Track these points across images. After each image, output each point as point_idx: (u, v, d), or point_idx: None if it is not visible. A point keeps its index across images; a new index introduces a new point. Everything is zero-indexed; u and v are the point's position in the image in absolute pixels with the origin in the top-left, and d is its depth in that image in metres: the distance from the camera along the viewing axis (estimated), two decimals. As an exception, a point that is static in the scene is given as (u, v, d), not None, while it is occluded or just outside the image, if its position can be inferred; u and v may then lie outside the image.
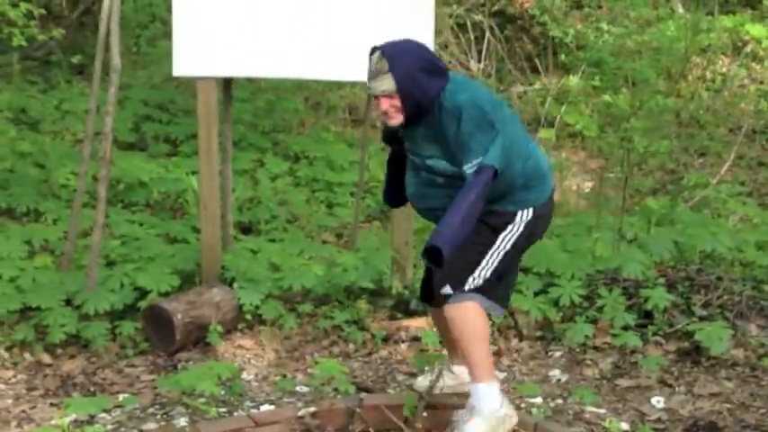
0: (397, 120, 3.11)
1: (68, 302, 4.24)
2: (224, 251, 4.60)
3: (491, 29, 8.82)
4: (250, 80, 7.36)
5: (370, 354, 4.17)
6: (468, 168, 3.01)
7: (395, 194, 3.47)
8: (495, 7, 9.11)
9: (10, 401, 3.69)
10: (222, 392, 3.63)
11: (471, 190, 2.97)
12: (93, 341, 4.11)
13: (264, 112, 7.25)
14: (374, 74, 3.08)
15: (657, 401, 3.57)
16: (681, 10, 8.90)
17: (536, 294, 4.30)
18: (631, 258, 4.43)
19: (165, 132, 6.93)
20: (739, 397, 3.60)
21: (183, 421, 3.45)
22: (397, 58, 3.06)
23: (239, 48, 4.34)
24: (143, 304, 4.25)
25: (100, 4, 8.42)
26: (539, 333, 4.24)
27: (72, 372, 3.97)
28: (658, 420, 3.43)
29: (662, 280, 4.35)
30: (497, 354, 4.10)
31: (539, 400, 3.62)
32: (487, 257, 3.17)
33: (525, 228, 3.19)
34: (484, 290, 3.16)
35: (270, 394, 3.75)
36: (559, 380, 3.80)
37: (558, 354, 4.05)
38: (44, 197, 5.60)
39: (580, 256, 4.59)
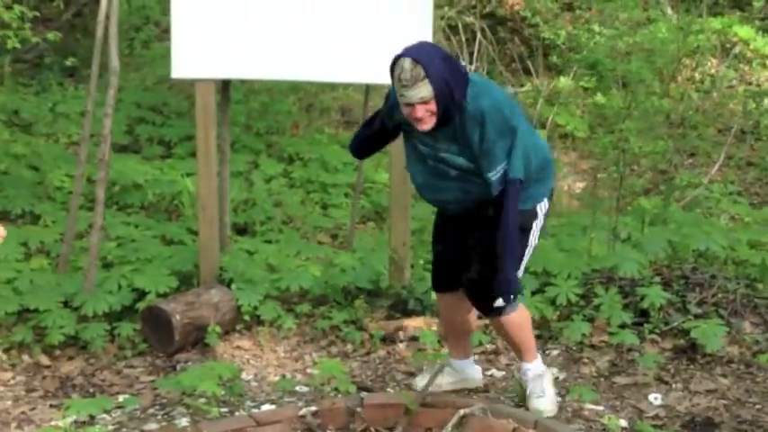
0: (430, 125, 3.11)
1: (66, 304, 4.25)
2: (221, 252, 4.61)
3: (482, 30, 8.86)
4: (243, 82, 7.37)
5: (368, 354, 4.19)
6: (493, 175, 3.11)
7: (363, 151, 3.60)
8: (487, 9, 9.15)
9: (9, 403, 3.69)
10: (222, 393, 3.64)
11: (509, 214, 3.11)
12: (92, 342, 4.12)
13: (258, 114, 7.26)
14: (411, 81, 3.03)
15: (655, 398, 3.61)
16: (670, 12, 8.97)
17: (533, 294, 4.33)
18: (627, 257, 4.47)
19: (159, 134, 6.94)
20: (735, 393, 3.64)
21: (184, 421, 3.47)
22: (430, 63, 3.04)
23: (237, 50, 4.35)
24: (141, 305, 4.26)
25: (91, 6, 8.46)
26: (536, 332, 4.24)
27: (71, 373, 3.98)
28: (656, 417, 3.47)
29: (657, 278, 4.39)
30: (495, 353, 4.13)
31: (537, 397, 3.64)
32: (524, 260, 3.34)
33: (544, 217, 3.36)
34: (521, 289, 3.39)
35: (270, 394, 3.77)
36: (557, 378, 3.82)
37: (555, 352, 4.09)
38: (39, 199, 5.60)
39: (576, 256, 4.63)
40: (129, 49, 7.96)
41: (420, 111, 3.08)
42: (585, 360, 4.02)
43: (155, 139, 6.90)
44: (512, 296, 3.29)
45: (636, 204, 5.69)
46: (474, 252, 3.33)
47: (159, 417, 3.54)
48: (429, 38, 4.44)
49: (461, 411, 3.37)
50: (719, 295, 4.28)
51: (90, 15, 8.56)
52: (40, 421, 3.52)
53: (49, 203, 5.57)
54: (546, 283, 4.37)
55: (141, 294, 4.35)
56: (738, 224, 5.60)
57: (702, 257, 4.85)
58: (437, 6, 8.65)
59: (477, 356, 4.10)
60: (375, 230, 5.91)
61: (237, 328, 4.34)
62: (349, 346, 4.25)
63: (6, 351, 4.06)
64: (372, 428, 3.41)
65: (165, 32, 8.10)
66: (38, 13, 6.16)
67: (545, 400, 3.46)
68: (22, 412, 3.61)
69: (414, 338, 4.22)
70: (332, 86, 7.66)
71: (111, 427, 3.43)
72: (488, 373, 3.95)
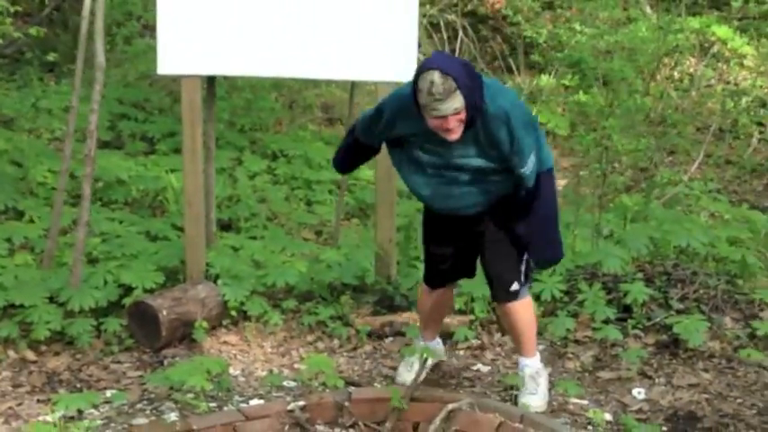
0: (459, 133, 3.16)
1: (52, 300, 4.24)
2: (207, 248, 4.62)
3: (464, 28, 8.91)
4: (226, 78, 7.37)
5: (354, 349, 4.22)
6: (526, 169, 3.24)
7: (348, 164, 3.68)
8: (468, 7, 9.20)
9: (-4, 398, 3.69)
10: (211, 388, 3.65)
11: (549, 201, 3.33)
12: (78, 338, 4.11)
13: (242, 111, 7.26)
14: (444, 95, 3.05)
15: (638, 393, 3.66)
16: (649, 11, 9.05)
17: (517, 289, 4.37)
18: (610, 254, 4.53)
19: (142, 131, 6.91)
20: (717, 387, 3.70)
21: (173, 416, 3.48)
22: (459, 73, 3.08)
23: (223, 46, 4.36)
24: (127, 301, 4.26)
25: (71, 2, 8.41)
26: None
27: (57, 368, 3.97)
28: (639, 411, 3.52)
29: (640, 275, 4.45)
30: (481, 348, 4.17)
31: (523, 392, 3.68)
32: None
33: None
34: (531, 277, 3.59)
35: (258, 389, 3.79)
36: (542, 373, 3.86)
37: (540, 347, 4.10)
38: (22, 195, 5.57)
39: (560, 252, 4.67)
40: (110, 44, 7.91)
41: (452, 121, 3.12)
42: (570, 355, 4.07)
43: (137, 136, 6.87)
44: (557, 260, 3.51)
45: (618, 201, 5.75)
46: (489, 241, 3.44)
47: (148, 411, 3.55)
48: (415, 35, 4.48)
49: (450, 406, 3.41)
50: (701, 291, 4.35)
51: (70, 11, 8.52)
52: (27, 416, 3.52)
53: (33, 199, 5.54)
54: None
55: (127, 290, 4.35)
56: (718, 221, 5.68)
57: (683, 254, 4.92)
58: (419, 4, 8.70)
59: (462, 352, 4.15)
60: (359, 227, 5.93)
61: (224, 323, 4.35)
62: (335, 342, 4.27)
63: (-8, 346, 4.05)
64: (361, 423, 3.44)
65: (147, 28, 8.08)
66: (19, 8, 6.14)
67: (536, 397, 3.52)
68: (9, 407, 3.60)
69: (400, 333, 4.26)
70: (314, 83, 7.68)
71: (99, 422, 3.43)
72: (474, 368, 3.99)
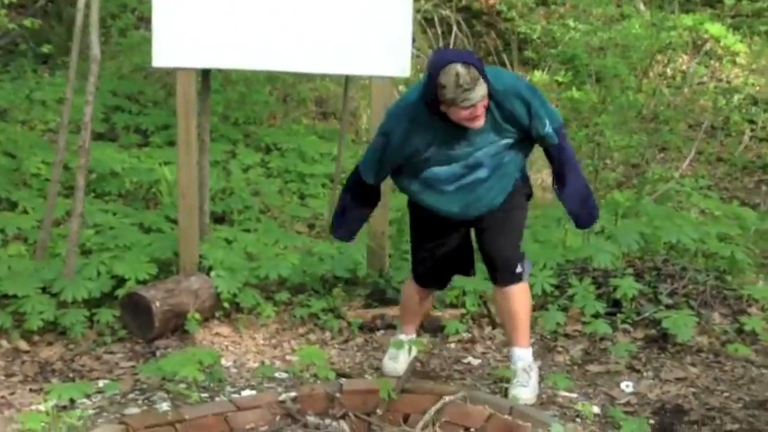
0: (482, 121, 3.27)
1: (45, 290, 4.26)
2: (201, 240, 4.64)
3: (458, 24, 8.94)
4: (220, 71, 7.37)
5: (346, 341, 4.25)
6: (548, 128, 3.38)
7: (352, 227, 3.62)
8: (462, 2, 9.22)
9: (-11, 387, 3.71)
10: (203, 378, 3.67)
11: (569, 150, 3.48)
12: (71, 328, 4.13)
13: (236, 104, 7.28)
14: (472, 84, 3.16)
15: (626, 386, 3.70)
16: (642, 8, 9.09)
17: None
18: (601, 249, 4.56)
19: (136, 123, 6.92)
20: (704, 381, 3.74)
21: (165, 406, 3.50)
22: (474, 61, 3.20)
23: (219, 39, 4.37)
24: (121, 292, 4.28)
25: (64, -7, 8.39)
26: (511, 321, 4.34)
27: (50, 358, 4.00)
28: (627, 404, 3.56)
29: (630, 270, 4.48)
30: (472, 341, 4.20)
31: (513, 384, 3.71)
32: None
33: None
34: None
35: (250, 380, 3.81)
36: (531, 366, 3.90)
37: (530, 341, 4.14)
38: (16, 186, 5.59)
39: (551, 247, 4.71)
40: (105, 36, 7.92)
41: (480, 108, 3.22)
42: (560, 349, 4.11)
43: (131, 128, 6.89)
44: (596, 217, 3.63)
45: (609, 197, 5.78)
46: (489, 226, 3.51)
47: (140, 401, 3.57)
48: (409, 29, 4.49)
49: (446, 398, 3.44)
50: (690, 286, 4.39)
51: (64, 2, 8.51)
52: (20, 405, 3.54)
53: (26, 190, 5.55)
54: (521, 273, 4.44)
55: (120, 281, 4.37)
56: (708, 218, 5.72)
57: (674, 250, 4.96)
58: (413, -1, 8.74)
59: (453, 345, 4.18)
60: (352, 220, 5.95)
61: (217, 315, 4.38)
62: (327, 334, 4.30)
63: (-15, 336, 4.07)
64: (351, 414, 3.47)
65: (142, 20, 8.09)
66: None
67: (527, 389, 3.55)
68: (2, 396, 3.62)
69: (391, 326, 4.28)
70: (308, 77, 7.69)
71: (91, 411, 3.45)
72: (465, 360, 4.02)
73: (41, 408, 3.39)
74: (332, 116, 7.78)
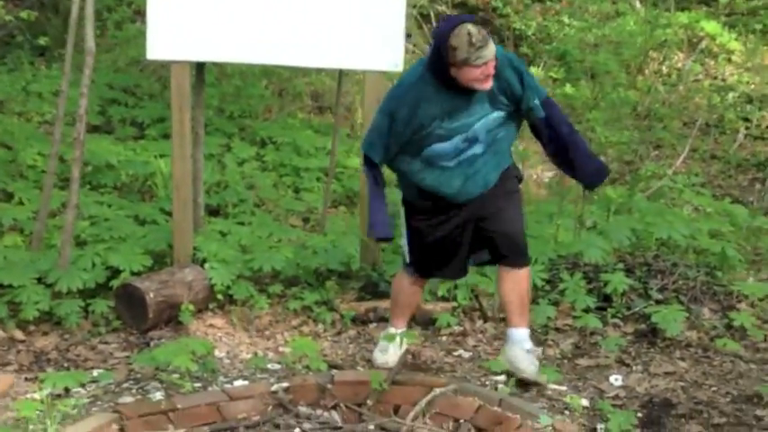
0: (491, 83, 3.36)
1: (40, 281, 4.29)
2: (195, 233, 4.67)
3: (454, 19, 8.95)
4: (215, 64, 7.39)
5: (339, 333, 4.28)
6: (537, 101, 3.49)
7: (388, 219, 3.62)
8: (459, -2, 9.25)
9: (-16, 376, 3.73)
10: (196, 368, 3.70)
11: (564, 120, 3.58)
12: (66, 318, 4.17)
13: (231, 98, 7.30)
14: (484, 42, 3.27)
15: (615, 379, 3.74)
16: (638, 5, 9.12)
17: (500, 278, 4.43)
18: (592, 244, 4.60)
19: (132, 116, 6.95)
20: (692, 375, 3.78)
21: (158, 395, 3.53)
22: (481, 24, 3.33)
23: (213, 32, 4.40)
24: (115, 283, 4.31)
25: (62, -15, 8.39)
26: (502, 315, 4.37)
27: (45, 348, 4.03)
28: (616, 397, 3.59)
29: (621, 265, 4.52)
30: (463, 335, 4.23)
31: (503, 377, 3.75)
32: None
33: None
34: None
35: (242, 371, 3.84)
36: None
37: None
38: (12, 177, 5.61)
39: (543, 242, 4.74)
40: (101, 29, 7.94)
41: (491, 67, 3.32)
42: (550, 342, 4.14)
43: (127, 121, 6.91)
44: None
45: (602, 194, 5.81)
46: (498, 214, 3.57)
47: (134, 391, 3.60)
48: (402, 24, 4.52)
49: (436, 390, 3.48)
50: (680, 282, 4.42)
51: (62, -5, 8.52)
52: (15, 394, 3.57)
53: (22, 182, 5.58)
54: (513, 267, 4.47)
55: (115, 272, 4.40)
56: (701, 215, 5.75)
57: (665, 246, 4.99)
58: (410, -5, 8.75)
59: (445, 338, 4.22)
60: (346, 215, 5.99)
61: (210, 306, 4.41)
62: (320, 327, 4.33)
63: (-20, 326, 4.10)
64: (342, 404, 3.51)
65: (138, 14, 8.10)
66: (8, -8, 6.16)
67: (531, 365, 3.62)
68: (-3, 385, 3.65)
69: (383, 319, 4.31)
70: (304, 72, 7.71)
71: (86, 400, 3.48)
72: (456, 353, 4.06)
73: (36, 396, 3.42)
74: (328, 110, 7.80)
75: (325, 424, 3.37)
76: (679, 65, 8.70)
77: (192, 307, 4.23)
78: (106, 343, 4.08)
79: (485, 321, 4.35)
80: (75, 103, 4.49)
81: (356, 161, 6.17)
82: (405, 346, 3.83)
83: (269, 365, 3.89)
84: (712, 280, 4.53)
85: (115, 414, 3.31)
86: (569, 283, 4.35)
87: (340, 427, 3.35)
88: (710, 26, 8.87)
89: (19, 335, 4.09)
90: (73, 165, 4.42)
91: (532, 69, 8.35)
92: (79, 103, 4.38)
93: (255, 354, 4.03)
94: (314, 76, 7.93)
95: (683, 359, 3.94)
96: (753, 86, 8.37)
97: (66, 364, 3.87)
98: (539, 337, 4.19)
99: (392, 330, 3.85)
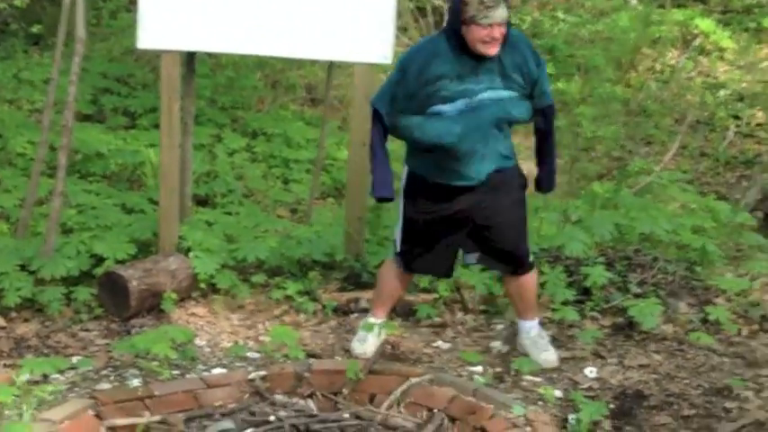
0: (497, 49, 3.40)
1: (24, 268, 4.32)
2: (181, 222, 4.70)
3: (450, 14, 8.97)
4: (210, 56, 7.42)
5: (320, 323, 4.31)
6: (547, 87, 3.59)
7: (391, 179, 3.65)
8: (455, -8, 9.24)
9: (-36, 362, 3.77)
10: (175, 356, 3.74)
11: (554, 133, 3.72)
12: (48, 306, 4.20)
13: (224, 89, 7.33)
14: (494, 3, 3.32)
15: (590, 371, 3.77)
16: (634, 1, 9.14)
17: (482, 270, 4.46)
18: (574, 238, 4.62)
19: (124, 105, 6.98)
20: (666, 368, 3.81)
21: (136, 382, 3.57)
22: None
23: (203, 22, 4.42)
24: (99, 271, 4.35)
25: (59, -26, 8.41)
26: (483, 307, 4.41)
27: (26, 334, 4.06)
28: (589, 388, 3.63)
29: (601, 259, 4.54)
30: (442, 326, 4.26)
31: (479, 368, 3.79)
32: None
33: None
34: None
35: (222, 359, 3.88)
36: (500, 351, 3.97)
37: (500, 326, 4.23)
38: (0, 165, 5.64)
39: (525, 235, 4.76)
40: (96, 18, 7.97)
41: (497, 31, 3.35)
42: (528, 335, 4.16)
43: (119, 110, 6.94)
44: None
45: (588, 188, 5.84)
46: (502, 226, 3.65)
47: (112, 378, 3.64)
48: (393, 16, 4.52)
49: (411, 380, 3.52)
50: (659, 276, 4.45)
51: (56, -17, 8.55)
52: (-7, 379, 3.60)
53: (11, 169, 5.61)
54: (494, 260, 4.50)
55: (99, 260, 4.44)
56: (686, 211, 5.77)
57: (648, 241, 5.01)
58: (406, -12, 8.76)
59: (424, 329, 4.25)
60: (335, 206, 6.02)
61: (193, 295, 4.44)
62: (302, 316, 4.37)
63: (-38, 312, 4.13)
64: (318, 393, 3.54)
65: (133, 3, 8.11)
66: (4, -20, 6.18)
67: (551, 352, 3.81)
68: (-24, 371, 3.69)
69: (364, 310, 4.34)
70: (298, 64, 7.74)
71: (63, 387, 3.51)
72: (435, 344, 4.09)
73: (14, 379, 3.45)
74: (321, 102, 7.81)
75: (301, 412, 3.41)
76: (673, 62, 8.72)
77: (174, 295, 4.27)
78: (87, 330, 4.12)
79: (465, 313, 4.38)
80: (65, 91, 4.52)
81: (346, 153, 6.20)
82: (383, 337, 3.87)
83: (248, 354, 3.92)
84: (691, 275, 4.55)
85: (91, 400, 3.35)
86: (550, 275, 4.37)
87: (315, 415, 3.39)
88: (705, 24, 8.88)
89: (0, 321, 4.12)
90: (60, 152, 4.45)
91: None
92: (68, 90, 4.40)
93: (236, 342, 4.06)
94: (308, 68, 7.96)
95: (657, 352, 3.97)
96: (744, 84, 8.38)
97: (46, 351, 3.90)
98: (517, 330, 4.20)
99: (371, 320, 3.89)
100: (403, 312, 4.31)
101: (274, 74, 7.87)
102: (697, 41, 8.85)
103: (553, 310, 4.24)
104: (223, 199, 5.75)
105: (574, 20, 7.77)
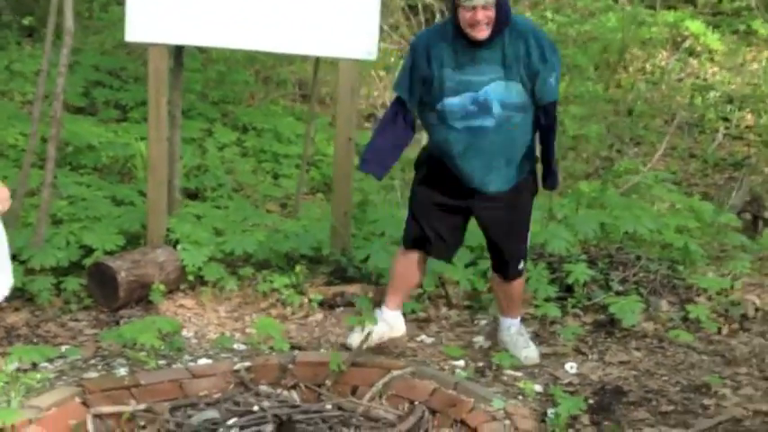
0: (486, 33, 3.40)
1: (14, 257, 4.35)
2: (170, 215, 4.74)
3: (442, 12, 9.01)
4: (201, 50, 7.46)
5: (306, 317, 4.36)
6: (552, 80, 3.50)
7: (385, 159, 3.68)
8: (447, -9, 9.29)
9: (-46, 350, 3.81)
10: (162, 346, 3.79)
11: (555, 130, 3.62)
12: (38, 295, 4.24)
13: (215, 83, 7.37)
14: None
15: (571, 367, 3.83)
16: (626, 2, 9.21)
17: (466, 266, 4.52)
18: (557, 235, 4.68)
19: (116, 98, 7.02)
20: (646, 365, 3.87)
21: (122, 371, 3.61)
22: None
23: (192, 16, 4.46)
24: (88, 262, 4.39)
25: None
26: (467, 302, 4.47)
27: (16, 324, 4.10)
28: (569, 384, 3.69)
29: (584, 256, 4.61)
30: (427, 320, 4.32)
31: (461, 362, 3.85)
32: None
33: None
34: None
35: (208, 350, 3.93)
36: (482, 346, 4.03)
37: (483, 322, 4.29)
38: (-9, 156, 5.68)
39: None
40: (88, 11, 8.00)
41: (481, 14, 3.36)
42: (510, 330, 4.22)
43: (111, 103, 6.98)
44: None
45: (575, 188, 5.90)
46: (502, 227, 3.69)
47: (99, 367, 3.68)
48: (377, 13, 4.56)
49: (393, 372, 3.58)
50: (641, 275, 4.52)
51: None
52: (-18, 367, 3.64)
53: (2, 160, 5.64)
54: (479, 256, 4.56)
55: (89, 251, 4.47)
56: (671, 210, 5.84)
57: (632, 240, 5.08)
58: (398, -14, 8.81)
59: (409, 324, 4.29)
60: (323, 201, 6.07)
61: (181, 287, 4.49)
62: (288, 309, 4.41)
63: (-49, 300, 4.16)
64: (302, 384, 3.60)
65: (126, -3, 8.15)
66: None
67: (532, 349, 3.88)
68: (-34, 359, 3.73)
69: (350, 304, 4.40)
70: (289, 60, 7.78)
71: (52, 375, 3.56)
72: (418, 338, 4.14)
73: (3, 368, 3.49)
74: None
75: (284, 402, 3.46)
76: (662, 63, 8.79)
77: (162, 287, 4.31)
78: (76, 320, 4.16)
79: (449, 308, 4.44)
80: (55, 83, 4.55)
81: (335, 149, 6.25)
82: (368, 329, 3.91)
83: (235, 345, 3.97)
84: (673, 273, 4.62)
85: (78, 388, 3.40)
86: (533, 272, 4.43)
87: (298, 406, 3.44)
88: (695, 25, 8.96)
89: (-10, 310, 4.17)
90: (49, 143, 4.49)
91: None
92: (57, 81, 4.44)
93: (222, 334, 4.11)
94: (298, 64, 8.01)
95: (638, 349, 4.03)
96: (733, 86, 8.47)
97: (35, 340, 3.95)
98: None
99: (376, 311, 3.91)
100: (388, 307, 4.35)
101: (265, 69, 7.91)
102: (687, 43, 8.93)
103: (535, 306, 4.30)
104: (213, 193, 5.79)
105: (562, 20, 7.82)
